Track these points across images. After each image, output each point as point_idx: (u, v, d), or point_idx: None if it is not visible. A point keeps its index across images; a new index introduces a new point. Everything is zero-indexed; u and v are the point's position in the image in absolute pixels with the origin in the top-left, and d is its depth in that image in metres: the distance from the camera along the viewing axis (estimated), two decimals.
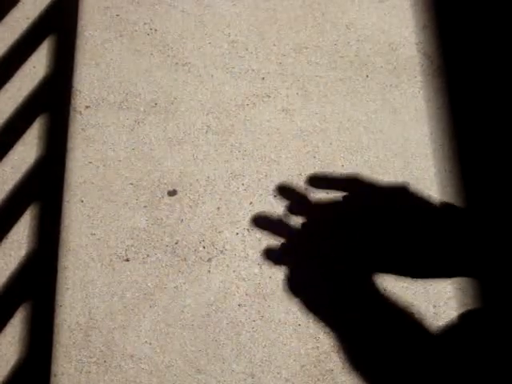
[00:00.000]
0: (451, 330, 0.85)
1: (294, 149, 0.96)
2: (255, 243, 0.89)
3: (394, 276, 0.87)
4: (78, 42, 1.03)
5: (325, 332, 0.84)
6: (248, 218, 0.91)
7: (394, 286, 0.87)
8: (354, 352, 0.83)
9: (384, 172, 0.95)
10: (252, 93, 1.00)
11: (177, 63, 1.02)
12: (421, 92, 1.02)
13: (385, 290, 0.87)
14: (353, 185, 0.94)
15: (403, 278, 0.87)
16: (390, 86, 1.03)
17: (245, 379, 0.81)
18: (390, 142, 0.98)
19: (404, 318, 0.86)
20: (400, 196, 0.94)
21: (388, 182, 0.94)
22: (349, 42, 1.06)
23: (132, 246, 0.88)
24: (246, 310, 0.85)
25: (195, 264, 0.87)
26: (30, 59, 1.00)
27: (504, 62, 1.06)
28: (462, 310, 0.86)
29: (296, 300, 0.86)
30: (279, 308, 0.86)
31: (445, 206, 0.93)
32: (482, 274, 0.89)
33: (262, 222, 0.88)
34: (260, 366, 0.82)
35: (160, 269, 0.87)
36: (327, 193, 0.92)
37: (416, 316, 0.86)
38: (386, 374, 0.83)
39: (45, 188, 0.91)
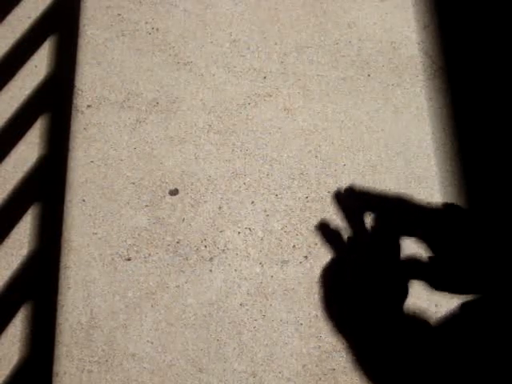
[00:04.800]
0: (451, 325, 0.85)
1: (295, 148, 0.96)
2: (257, 242, 0.89)
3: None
4: (80, 41, 1.03)
5: (328, 331, 0.84)
6: (249, 217, 0.91)
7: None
8: (359, 351, 0.83)
9: (386, 171, 0.95)
10: (254, 92, 1.00)
11: (178, 62, 1.02)
12: (422, 91, 1.02)
13: (385, 289, 0.87)
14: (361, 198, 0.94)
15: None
16: (392, 85, 1.03)
17: (246, 378, 0.81)
18: (392, 141, 0.98)
19: (405, 318, 0.86)
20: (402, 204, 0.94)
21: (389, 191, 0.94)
22: (350, 41, 1.06)
23: (134, 245, 0.88)
24: (247, 310, 0.85)
25: (197, 263, 0.87)
26: (31, 58, 1.00)
27: (505, 61, 1.06)
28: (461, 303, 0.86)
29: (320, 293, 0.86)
30: (281, 307, 0.86)
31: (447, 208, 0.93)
32: (483, 273, 0.89)
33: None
34: (262, 365, 0.82)
35: (161, 268, 0.87)
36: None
37: (417, 315, 0.86)
38: (389, 372, 0.83)
39: (46, 187, 0.91)
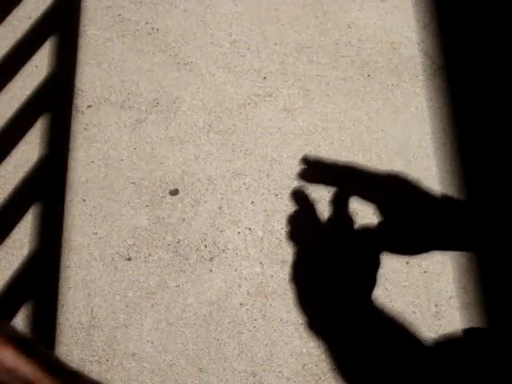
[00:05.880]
0: (450, 341, 0.85)
1: (295, 148, 0.97)
2: (257, 242, 0.89)
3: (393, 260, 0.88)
4: (80, 41, 1.03)
5: (316, 335, 0.84)
6: (249, 217, 0.91)
7: (395, 285, 0.87)
8: (347, 357, 0.83)
9: (386, 171, 0.95)
10: (254, 92, 1.00)
11: (178, 63, 1.02)
12: (422, 91, 1.02)
13: (386, 289, 0.87)
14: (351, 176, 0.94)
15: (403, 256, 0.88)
16: (392, 85, 1.03)
17: (246, 378, 0.82)
18: (392, 141, 0.98)
19: (403, 319, 0.86)
20: (399, 187, 0.94)
21: (385, 171, 0.94)
22: (350, 42, 1.06)
23: (134, 245, 0.88)
24: (247, 309, 0.85)
25: (197, 263, 0.88)
26: (32, 59, 1.00)
27: (505, 61, 1.06)
28: (466, 327, 0.86)
29: (295, 296, 0.86)
30: (281, 307, 0.86)
31: (446, 199, 0.93)
32: (482, 272, 0.89)
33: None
34: (261, 364, 0.83)
35: (162, 268, 0.87)
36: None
37: (416, 316, 0.86)
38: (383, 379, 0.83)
39: (47, 187, 0.92)
